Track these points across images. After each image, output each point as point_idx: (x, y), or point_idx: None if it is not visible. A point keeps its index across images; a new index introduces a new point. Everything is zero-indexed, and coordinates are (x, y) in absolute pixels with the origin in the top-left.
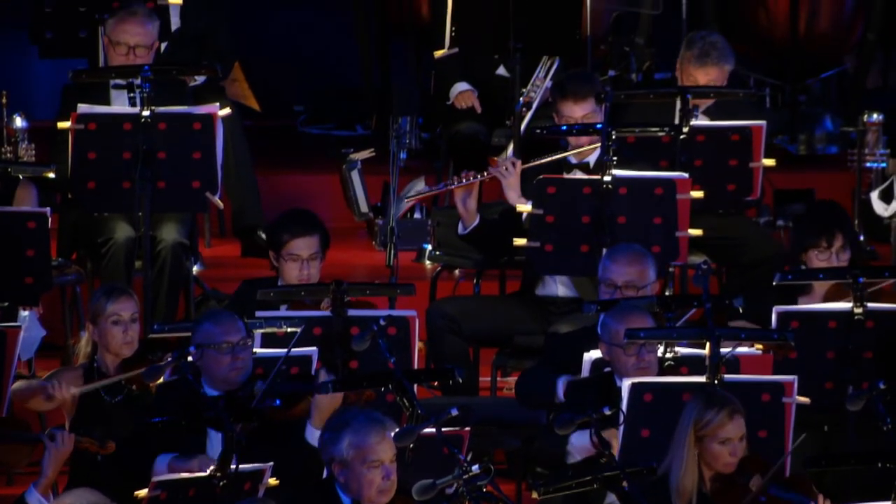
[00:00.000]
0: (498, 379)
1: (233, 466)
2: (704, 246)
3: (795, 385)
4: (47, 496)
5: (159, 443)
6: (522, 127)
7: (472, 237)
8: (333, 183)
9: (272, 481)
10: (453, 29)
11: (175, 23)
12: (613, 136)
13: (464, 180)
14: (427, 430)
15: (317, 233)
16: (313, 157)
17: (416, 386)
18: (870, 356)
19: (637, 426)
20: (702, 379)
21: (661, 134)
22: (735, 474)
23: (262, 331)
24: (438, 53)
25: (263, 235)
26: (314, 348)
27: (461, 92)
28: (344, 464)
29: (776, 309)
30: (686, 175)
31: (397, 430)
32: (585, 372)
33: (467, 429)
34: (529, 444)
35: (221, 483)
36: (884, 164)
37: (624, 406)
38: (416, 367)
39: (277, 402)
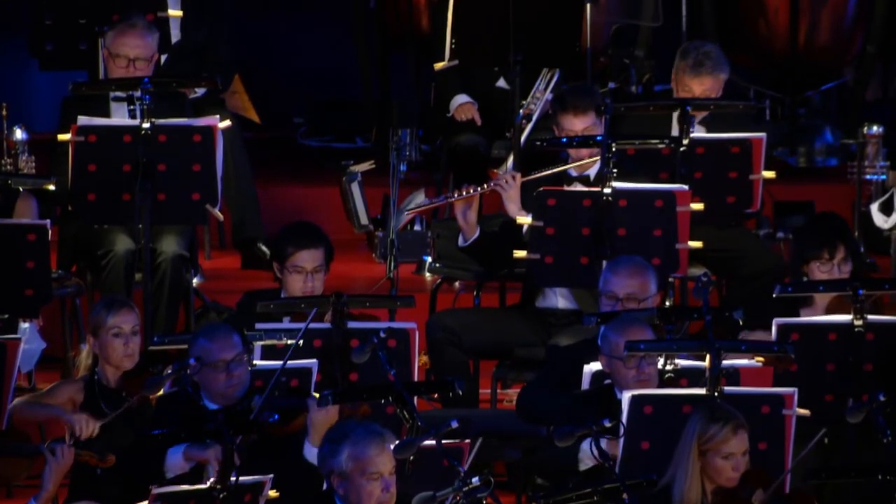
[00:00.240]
0: (498, 391)
1: (233, 479)
2: (704, 258)
3: (796, 397)
4: None
5: (159, 455)
6: (522, 139)
7: (472, 250)
8: (333, 195)
9: (272, 493)
10: (453, 41)
11: (175, 35)
12: (613, 149)
13: (464, 193)
14: (427, 442)
15: (321, 245)
16: (313, 170)
17: (415, 398)
18: (870, 368)
19: (637, 438)
20: (702, 391)
21: (661, 146)
22: (737, 488)
23: (261, 343)
24: (438, 65)
25: (263, 247)
26: (314, 360)
27: (461, 104)
28: (343, 476)
29: (776, 321)
30: (686, 187)
31: (397, 442)
32: (585, 384)
33: (467, 441)
34: (532, 455)
35: (222, 495)
36: (884, 177)
37: (624, 418)
38: (416, 379)
39: (276, 416)
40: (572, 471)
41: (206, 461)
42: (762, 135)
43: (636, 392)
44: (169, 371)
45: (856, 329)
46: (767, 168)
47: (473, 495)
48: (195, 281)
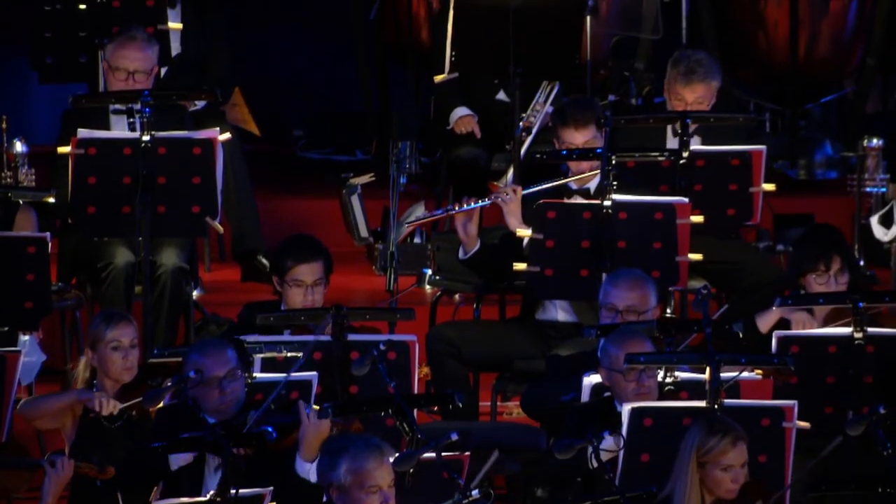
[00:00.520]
0: (498, 403)
1: (232, 491)
2: (704, 271)
3: (795, 410)
4: None
5: (159, 467)
6: (522, 152)
7: (472, 262)
8: (333, 208)
9: None
10: (453, 54)
11: (175, 48)
12: (613, 161)
13: (465, 206)
14: (427, 454)
15: (321, 259)
16: (313, 182)
17: (415, 411)
18: (870, 381)
19: (637, 451)
20: (702, 403)
21: (660, 159)
22: (737, 500)
23: (261, 356)
24: (438, 78)
25: (264, 260)
26: (314, 373)
27: (461, 117)
28: (342, 489)
29: (776, 333)
30: (686, 200)
31: (397, 454)
32: (585, 396)
33: (467, 453)
34: (533, 467)
35: None
36: (884, 189)
37: (624, 430)
38: (415, 391)
39: (274, 434)
40: (580, 472)
41: None
42: (762, 147)
43: (636, 404)
44: (168, 384)
45: (856, 342)
46: (767, 180)
47: None
48: (195, 293)
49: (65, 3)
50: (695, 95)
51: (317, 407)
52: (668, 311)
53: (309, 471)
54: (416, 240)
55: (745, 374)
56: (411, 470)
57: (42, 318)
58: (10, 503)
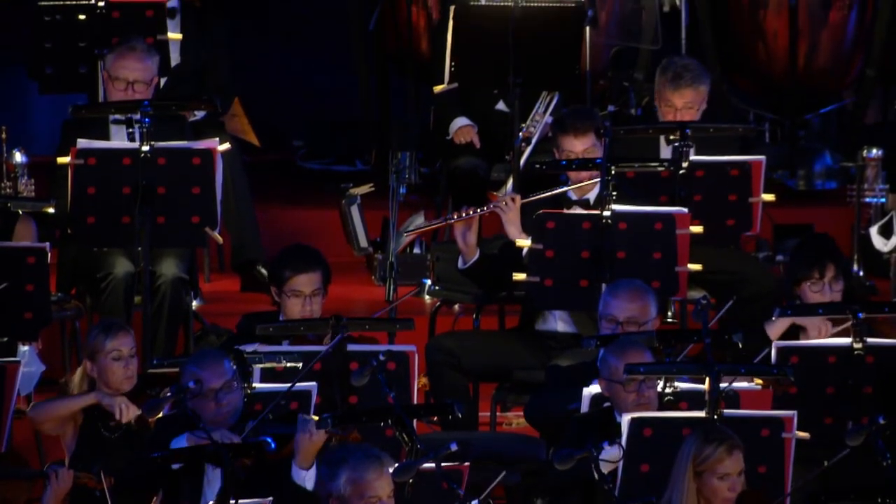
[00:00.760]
0: (497, 414)
1: (232, 502)
2: (703, 281)
3: (795, 420)
4: None
5: (158, 477)
6: (522, 162)
7: (471, 272)
8: (333, 218)
9: None
10: (453, 64)
11: (175, 58)
12: (613, 171)
13: (463, 215)
14: (426, 465)
15: (319, 269)
16: (313, 192)
17: (415, 421)
18: (869, 391)
19: (637, 461)
20: (701, 414)
21: (660, 169)
22: None
23: (261, 366)
24: (438, 88)
25: (263, 270)
26: (313, 383)
27: (461, 127)
28: (341, 500)
29: (776, 344)
30: (685, 210)
31: (396, 465)
32: (585, 407)
33: (466, 464)
34: (533, 477)
35: None
36: (883, 200)
37: (624, 441)
38: (415, 401)
39: (273, 445)
40: (580, 483)
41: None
42: (762, 158)
43: (636, 415)
44: (167, 394)
45: (855, 352)
46: (767, 191)
47: None
48: (194, 304)
49: (65, 13)
50: (684, 100)
51: (316, 417)
52: (670, 313)
53: (305, 478)
54: (416, 250)
55: (745, 384)
56: (411, 480)
57: (41, 328)
58: None
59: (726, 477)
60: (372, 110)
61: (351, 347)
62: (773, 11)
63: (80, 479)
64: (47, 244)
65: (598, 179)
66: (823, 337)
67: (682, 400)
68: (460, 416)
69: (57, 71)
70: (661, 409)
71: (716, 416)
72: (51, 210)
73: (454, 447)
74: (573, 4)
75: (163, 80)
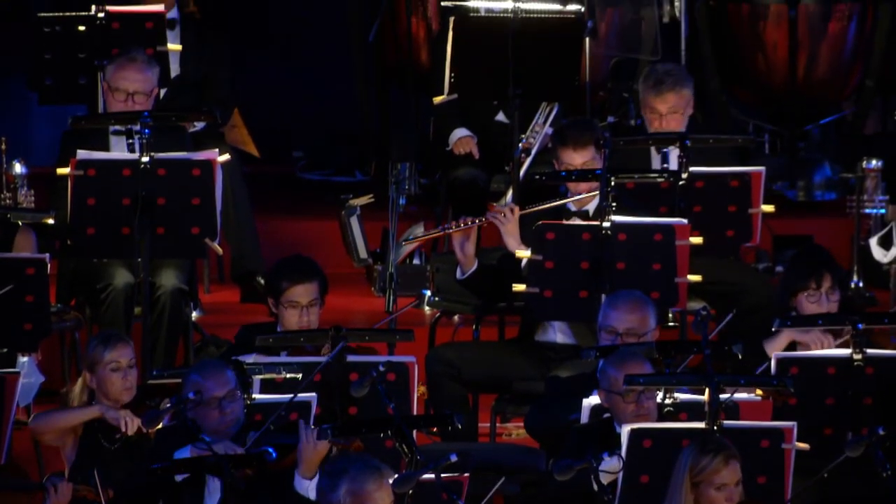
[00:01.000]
0: (497, 425)
1: None
2: (703, 292)
3: (795, 431)
4: None
5: (158, 488)
6: (521, 173)
7: (469, 283)
8: (332, 229)
9: None
10: (452, 75)
11: (175, 69)
12: (612, 182)
13: (461, 225)
14: (426, 475)
15: (315, 279)
16: (312, 203)
17: (414, 432)
18: (869, 402)
19: (636, 472)
20: (701, 425)
21: (659, 180)
22: None
23: (260, 377)
24: (437, 99)
25: (263, 281)
26: (313, 394)
27: (460, 138)
28: None
29: (775, 355)
30: (685, 221)
31: (396, 476)
32: (584, 418)
33: (466, 475)
34: (532, 488)
35: None
36: (883, 211)
37: (623, 452)
38: (415, 412)
39: (274, 454)
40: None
41: None
42: (761, 169)
43: (635, 425)
44: (167, 405)
45: (855, 363)
46: (767, 202)
47: None
48: (194, 315)
49: (65, 24)
50: (667, 105)
51: (314, 427)
52: (671, 316)
53: (308, 488)
54: (416, 261)
55: (745, 395)
56: (411, 491)
57: (41, 339)
58: None
59: (723, 487)
60: (372, 121)
61: (351, 358)
62: (772, 23)
63: (80, 491)
64: (47, 255)
65: (597, 192)
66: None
67: (681, 411)
68: (460, 427)
69: (57, 82)
70: (660, 419)
71: (716, 427)
72: (50, 221)
73: (454, 458)
74: (573, 15)
75: (162, 91)
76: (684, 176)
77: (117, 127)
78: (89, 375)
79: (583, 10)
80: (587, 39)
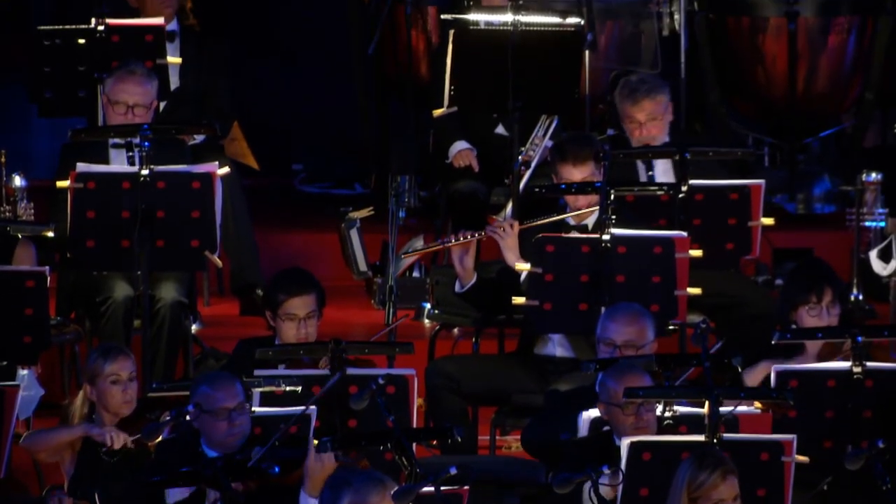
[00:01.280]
0: (497, 437)
1: None
2: (702, 304)
3: (794, 444)
4: None
5: (157, 502)
6: (521, 185)
7: (468, 296)
8: (332, 241)
9: None
10: (452, 88)
11: (174, 82)
12: (612, 196)
13: (461, 239)
14: (426, 488)
15: (313, 291)
16: (312, 216)
17: (414, 444)
18: (869, 415)
19: (636, 485)
20: (701, 438)
21: (659, 193)
22: None
23: (260, 390)
24: (437, 112)
25: (262, 294)
26: (313, 407)
27: (460, 150)
28: None
29: (775, 367)
30: (685, 234)
31: (396, 488)
32: (584, 431)
33: (466, 487)
34: (532, 501)
35: None
36: (882, 224)
37: (623, 465)
38: (414, 425)
39: (276, 469)
40: None
41: None
42: (761, 181)
43: (635, 438)
44: (167, 417)
45: (855, 376)
46: (766, 215)
47: None
48: (194, 327)
49: (64, 37)
50: (645, 113)
51: (315, 441)
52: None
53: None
54: (415, 274)
55: (745, 408)
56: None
57: (41, 352)
58: None
59: (721, 503)
60: (371, 134)
61: (350, 371)
62: (772, 35)
63: None
64: (47, 268)
65: (597, 207)
66: None
67: (681, 424)
68: (459, 439)
69: (56, 95)
70: (660, 432)
71: (715, 440)
72: (50, 234)
73: (454, 471)
74: (572, 28)
75: (162, 104)
76: (684, 189)
77: (117, 140)
78: (90, 388)
79: (582, 23)
80: (587, 52)
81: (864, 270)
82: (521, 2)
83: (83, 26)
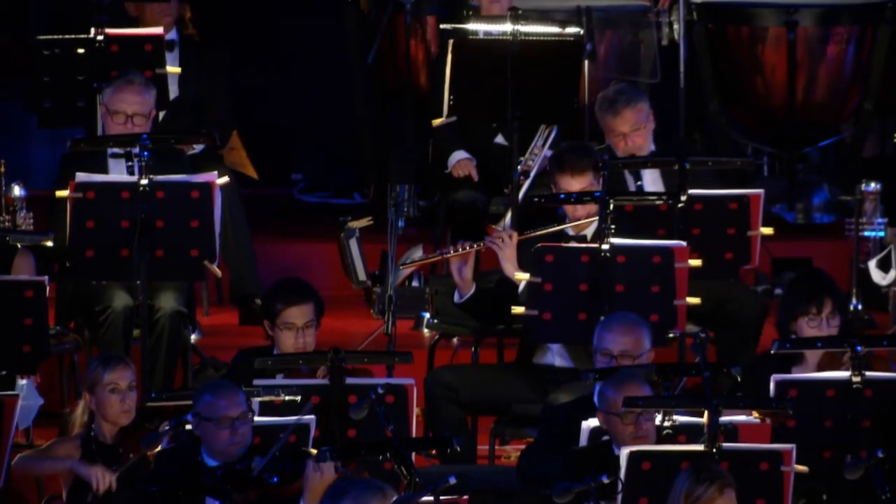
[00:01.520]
0: (496, 447)
1: None
2: (699, 313)
3: (794, 454)
4: None
5: None
6: (520, 195)
7: (467, 306)
8: (331, 251)
9: None
10: (451, 97)
11: (173, 91)
12: (612, 205)
13: (459, 249)
14: (425, 498)
15: (311, 301)
16: (311, 226)
17: (413, 454)
18: (868, 425)
19: (635, 495)
20: (700, 447)
21: (658, 202)
22: None
23: (259, 399)
24: (436, 122)
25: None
26: (312, 417)
27: (459, 160)
28: None
29: (774, 377)
30: (684, 243)
31: (395, 498)
32: (583, 441)
33: (465, 497)
34: None
35: None
36: (881, 233)
37: (622, 474)
38: (413, 435)
39: (275, 479)
40: None
41: None
42: (760, 191)
43: (634, 448)
44: (166, 427)
45: (854, 385)
46: (765, 224)
47: None
48: (193, 337)
49: (63, 47)
50: (628, 124)
51: (315, 451)
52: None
53: None
54: (415, 283)
55: (744, 417)
56: None
57: (40, 361)
58: None
59: None
60: (371, 143)
61: (349, 381)
62: (771, 45)
63: None
64: (46, 277)
65: (596, 217)
66: None
67: (680, 433)
68: (459, 449)
69: (55, 105)
70: (659, 442)
71: (714, 450)
72: (49, 243)
73: (453, 480)
74: (572, 38)
75: (161, 114)
76: (683, 198)
77: (116, 149)
78: (89, 397)
79: (582, 32)
80: (586, 62)
81: (863, 280)
82: (520, 12)
83: (82, 36)
